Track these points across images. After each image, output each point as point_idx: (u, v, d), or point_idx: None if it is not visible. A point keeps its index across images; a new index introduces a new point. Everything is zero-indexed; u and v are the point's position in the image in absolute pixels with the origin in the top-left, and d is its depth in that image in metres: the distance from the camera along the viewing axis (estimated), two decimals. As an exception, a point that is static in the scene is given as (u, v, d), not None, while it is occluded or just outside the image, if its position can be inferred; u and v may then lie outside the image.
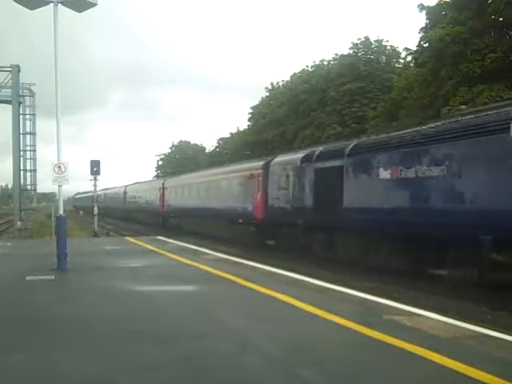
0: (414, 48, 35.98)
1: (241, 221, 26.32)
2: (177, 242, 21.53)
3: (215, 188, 31.64)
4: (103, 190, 78.52)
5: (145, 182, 61.98)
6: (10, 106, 33.63)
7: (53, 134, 13.68)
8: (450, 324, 7.17)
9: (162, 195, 44.02)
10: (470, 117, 13.73)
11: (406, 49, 38.24)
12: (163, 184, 45.18)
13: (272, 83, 62.30)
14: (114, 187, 74.02)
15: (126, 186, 62.86)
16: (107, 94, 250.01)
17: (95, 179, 30.86)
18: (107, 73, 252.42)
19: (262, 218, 23.81)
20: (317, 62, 52.91)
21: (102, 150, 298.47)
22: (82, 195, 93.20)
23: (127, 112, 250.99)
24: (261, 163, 25.60)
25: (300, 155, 21.53)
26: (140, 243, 21.03)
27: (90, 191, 78.93)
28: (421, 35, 34.50)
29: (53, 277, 11.94)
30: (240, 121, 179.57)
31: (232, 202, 28.00)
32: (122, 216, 60.99)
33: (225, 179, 30.20)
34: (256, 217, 24.31)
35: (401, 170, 15.08)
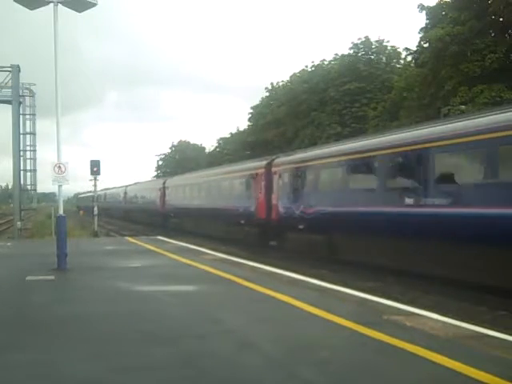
0: (414, 48, 36.03)
1: None
2: (177, 242, 21.51)
3: None
4: (119, 187, 67.79)
5: (209, 169, 38.27)
6: (10, 106, 33.59)
7: (53, 134, 13.70)
8: (450, 324, 7.16)
9: (267, 184, 23.81)
10: None
11: (406, 49, 38.31)
12: (270, 164, 24.28)
13: (272, 83, 62.40)
14: (138, 182, 60.83)
15: (166, 180, 45.73)
16: (104, 95, 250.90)
17: (95, 179, 30.85)
18: (104, 73, 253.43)
19: None
20: (317, 62, 53.04)
21: (101, 150, 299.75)
22: (87, 194, 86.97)
23: (125, 112, 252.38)
24: None
25: None
26: (140, 243, 21.02)
27: (103, 189, 76.67)
28: (421, 35, 34.57)
29: (53, 277, 11.94)
30: (240, 121, 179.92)
31: None
32: (157, 221, 43.53)
33: None
34: None
35: None
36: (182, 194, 38.26)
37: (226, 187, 29.17)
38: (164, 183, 44.20)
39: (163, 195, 42.81)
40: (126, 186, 62.43)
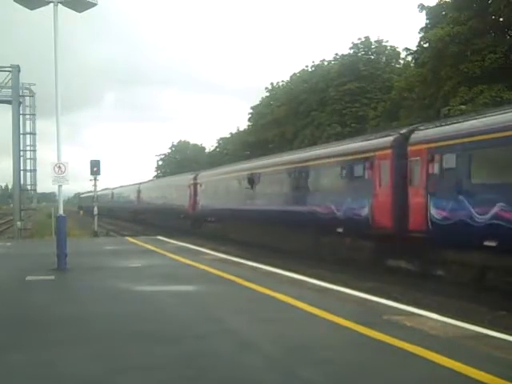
0: (414, 48, 36.01)
1: None
2: (177, 242, 21.52)
3: None
4: (130, 185, 59.90)
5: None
6: (10, 106, 33.59)
7: (53, 134, 13.72)
8: (450, 324, 7.16)
9: (394, 172, 15.84)
10: None
11: (406, 49, 38.23)
12: (402, 140, 15.91)
13: (272, 83, 62.36)
14: (154, 179, 54.21)
15: (197, 175, 37.16)
16: (104, 95, 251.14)
17: (95, 179, 30.83)
18: (104, 73, 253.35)
19: None
20: (317, 62, 53.03)
21: (101, 150, 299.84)
22: (90, 194, 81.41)
23: (125, 112, 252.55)
24: None
25: None
26: (140, 243, 21.03)
27: (106, 188, 73.73)
28: (421, 35, 34.53)
29: (53, 277, 11.95)
30: (240, 121, 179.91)
31: None
32: (184, 225, 36.96)
33: None
34: None
35: None
36: (227, 191, 30.28)
37: (309, 180, 21.07)
38: (195, 178, 36.43)
39: (194, 193, 35.83)
40: (140, 184, 54.97)
